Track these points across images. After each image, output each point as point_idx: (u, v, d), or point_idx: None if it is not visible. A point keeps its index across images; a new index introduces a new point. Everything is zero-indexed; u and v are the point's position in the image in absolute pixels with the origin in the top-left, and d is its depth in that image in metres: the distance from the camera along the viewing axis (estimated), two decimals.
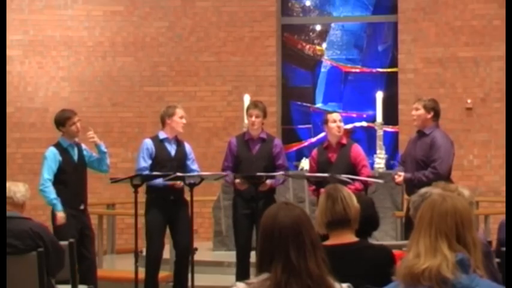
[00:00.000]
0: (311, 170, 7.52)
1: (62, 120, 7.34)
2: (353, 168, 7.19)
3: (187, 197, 7.39)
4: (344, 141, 7.38)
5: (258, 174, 7.20)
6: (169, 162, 7.39)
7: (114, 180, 7.31)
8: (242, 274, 7.20)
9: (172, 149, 7.45)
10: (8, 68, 11.46)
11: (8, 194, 5.39)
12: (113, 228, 10.99)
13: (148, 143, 7.45)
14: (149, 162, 7.36)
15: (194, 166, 7.53)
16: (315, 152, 7.58)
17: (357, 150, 7.36)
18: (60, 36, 11.80)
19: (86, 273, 7.12)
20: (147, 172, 7.26)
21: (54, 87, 11.80)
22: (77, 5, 11.85)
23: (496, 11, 11.30)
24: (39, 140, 11.61)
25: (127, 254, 9.34)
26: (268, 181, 7.25)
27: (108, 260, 10.13)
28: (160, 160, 7.37)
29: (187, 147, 7.58)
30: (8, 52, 11.43)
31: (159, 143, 7.44)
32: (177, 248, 7.46)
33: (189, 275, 7.20)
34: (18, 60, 11.70)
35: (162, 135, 7.47)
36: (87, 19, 11.87)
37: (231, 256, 8.04)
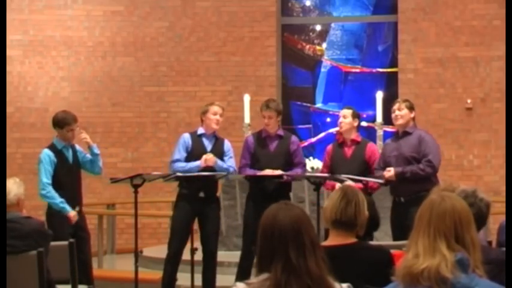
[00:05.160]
0: (324, 165, 7.59)
1: (61, 124, 7.27)
2: (367, 166, 7.26)
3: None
4: (357, 138, 7.42)
5: (259, 174, 7.32)
6: None
7: (114, 180, 7.30)
8: (243, 274, 7.17)
9: (209, 144, 7.51)
10: (8, 68, 11.47)
11: None
12: (113, 228, 11.00)
13: (185, 136, 7.57)
14: (184, 154, 7.43)
15: (229, 163, 7.55)
16: (329, 147, 7.62)
17: (372, 148, 7.45)
18: (60, 36, 11.80)
19: (80, 273, 7.13)
20: (180, 163, 7.36)
21: (54, 87, 11.80)
22: (77, 5, 11.86)
23: (496, 11, 11.30)
24: (39, 140, 11.60)
25: (127, 254, 9.35)
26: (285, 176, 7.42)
27: (108, 260, 10.13)
28: (196, 154, 7.42)
29: (226, 144, 7.63)
30: (8, 52, 11.44)
31: (196, 137, 7.53)
32: (204, 249, 7.44)
33: (189, 275, 7.21)
34: (18, 60, 11.71)
35: (200, 130, 7.57)
36: (87, 19, 11.87)
37: (231, 256, 8.03)
